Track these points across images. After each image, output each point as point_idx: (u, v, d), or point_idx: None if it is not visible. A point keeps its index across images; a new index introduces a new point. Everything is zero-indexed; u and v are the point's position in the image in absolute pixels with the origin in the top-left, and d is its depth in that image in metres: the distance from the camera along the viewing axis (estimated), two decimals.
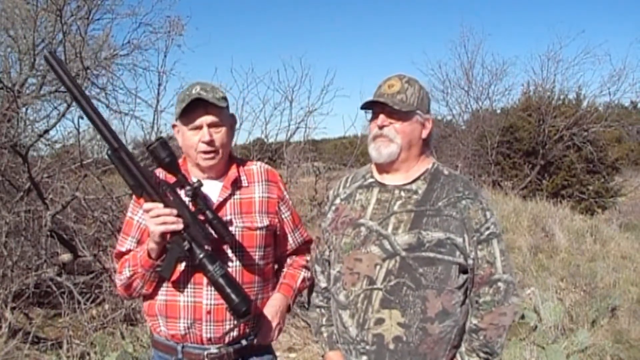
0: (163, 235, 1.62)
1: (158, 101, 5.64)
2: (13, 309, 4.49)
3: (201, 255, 1.62)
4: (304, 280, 1.91)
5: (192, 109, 1.69)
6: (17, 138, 5.07)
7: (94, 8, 6.15)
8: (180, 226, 1.61)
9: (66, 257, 5.21)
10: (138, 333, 4.32)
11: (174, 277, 1.71)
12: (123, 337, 4.29)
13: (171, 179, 1.69)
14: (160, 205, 1.61)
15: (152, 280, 1.72)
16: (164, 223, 1.59)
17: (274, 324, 1.81)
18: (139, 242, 1.78)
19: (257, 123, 6.67)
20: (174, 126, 1.81)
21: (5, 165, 5.31)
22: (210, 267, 1.62)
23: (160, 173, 1.78)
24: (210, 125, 1.71)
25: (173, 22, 6.34)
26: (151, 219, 1.60)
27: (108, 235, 5.35)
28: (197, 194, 1.64)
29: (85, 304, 4.67)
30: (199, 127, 1.71)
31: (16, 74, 6.18)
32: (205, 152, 1.72)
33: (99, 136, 6.55)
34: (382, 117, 1.73)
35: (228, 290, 1.61)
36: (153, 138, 5.82)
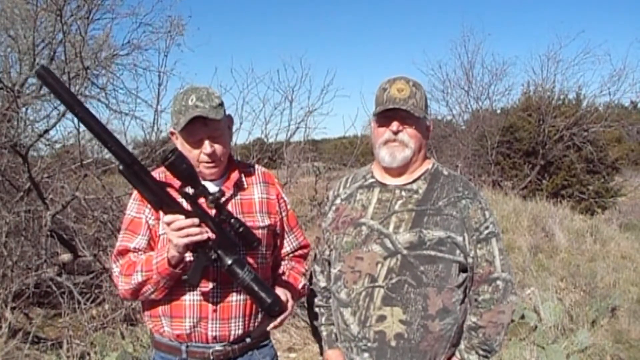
0: (187, 246, 1.60)
1: (158, 101, 5.64)
2: (13, 309, 4.49)
3: (229, 262, 1.62)
4: (304, 287, 1.93)
5: (191, 123, 1.68)
6: (17, 138, 5.07)
7: (94, 8, 6.15)
8: (204, 236, 1.59)
9: (66, 257, 5.21)
10: (138, 333, 4.32)
11: (182, 272, 1.68)
12: (123, 337, 4.29)
13: (171, 181, 1.67)
14: (182, 217, 1.58)
15: (164, 286, 1.69)
16: (188, 235, 1.57)
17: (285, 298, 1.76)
18: (149, 242, 1.76)
19: (257, 123, 6.69)
20: (172, 133, 1.79)
21: (5, 165, 5.31)
22: (240, 273, 1.62)
23: (161, 174, 1.78)
24: (209, 138, 1.71)
25: (173, 22, 6.36)
26: (173, 232, 1.57)
27: (108, 235, 5.35)
28: (219, 203, 1.63)
29: (85, 304, 4.67)
30: (200, 141, 1.71)
31: (16, 74, 6.18)
32: (208, 162, 1.73)
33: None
34: (396, 123, 1.74)
35: (260, 293, 1.63)
36: (153, 138, 5.83)
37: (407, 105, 1.72)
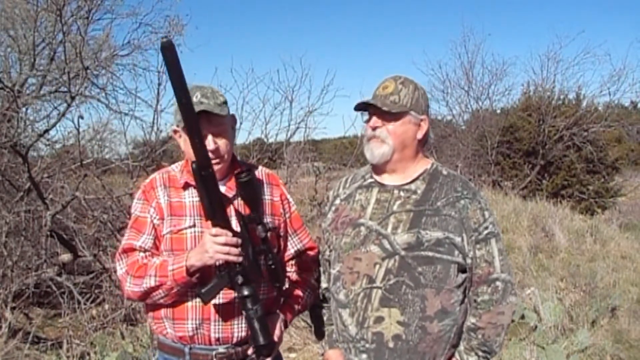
0: (217, 261, 1.62)
1: (158, 101, 5.63)
2: (13, 309, 4.49)
3: (246, 293, 1.64)
4: (306, 301, 1.92)
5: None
6: (17, 138, 5.07)
7: (94, 8, 6.16)
8: (239, 259, 1.61)
9: (66, 257, 5.21)
10: (138, 333, 4.33)
11: (197, 282, 1.69)
12: (123, 337, 4.29)
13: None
14: (229, 233, 1.60)
15: (176, 293, 1.70)
16: (229, 253, 1.59)
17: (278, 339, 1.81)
18: (154, 241, 1.76)
19: (257, 123, 6.70)
20: (175, 131, 1.80)
21: (5, 165, 5.31)
22: (250, 308, 1.64)
23: (164, 174, 1.79)
24: (213, 134, 1.72)
25: (173, 22, 6.36)
26: (215, 245, 1.58)
27: (108, 235, 5.36)
28: (267, 235, 1.65)
29: (85, 304, 4.67)
30: (203, 137, 1.71)
31: (16, 74, 6.19)
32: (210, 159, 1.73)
33: (98, 136, 6.59)
34: (374, 119, 1.74)
35: (259, 332, 1.65)
36: (153, 138, 5.83)
37: (384, 101, 1.71)
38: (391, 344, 1.71)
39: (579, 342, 4.24)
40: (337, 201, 1.89)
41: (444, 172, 1.82)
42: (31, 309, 5.15)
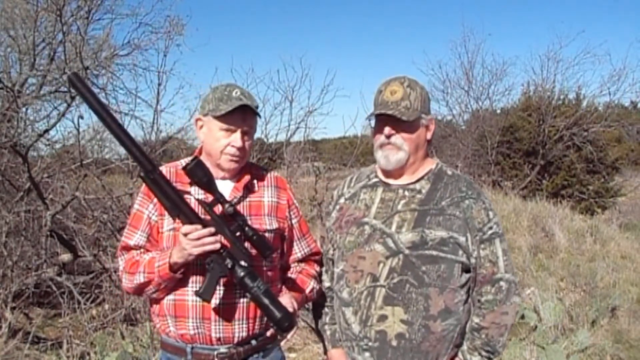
0: (198, 255, 1.62)
1: (158, 101, 5.64)
2: (13, 309, 4.49)
3: (242, 274, 1.63)
4: (312, 290, 1.90)
5: (232, 112, 1.70)
6: (17, 138, 5.06)
7: (94, 8, 6.16)
8: (217, 245, 1.61)
9: (66, 257, 5.20)
10: (138, 333, 4.32)
11: (182, 276, 1.70)
12: (123, 337, 4.28)
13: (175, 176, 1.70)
14: (199, 227, 1.60)
15: (166, 287, 1.72)
16: (203, 244, 1.60)
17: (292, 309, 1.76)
18: (149, 238, 1.77)
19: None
20: (198, 119, 1.80)
21: (5, 165, 5.31)
22: (252, 285, 1.63)
23: (172, 168, 1.80)
24: (243, 132, 1.74)
25: (173, 22, 6.37)
26: (190, 242, 1.59)
27: (108, 235, 5.35)
28: (235, 210, 1.65)
29: (85, 304, 4.66)
30: (233, 131, 1.72)
31: (16, 74, 6.18)
32: (232, 156, 1.74)
33: (98, 136, 6.59)
34: (388, 128, 1.74)
35: (271, 307, 1.64)
36: (153, 138, 5.84)
37: (398, 108, 1.71)
38: (394, 343, 1.71)
39: (579, 342, 4.24)
40: (342, 200, 1.90)
41: (449, 172, 1.82)
42: (31, 309, 5.14)
